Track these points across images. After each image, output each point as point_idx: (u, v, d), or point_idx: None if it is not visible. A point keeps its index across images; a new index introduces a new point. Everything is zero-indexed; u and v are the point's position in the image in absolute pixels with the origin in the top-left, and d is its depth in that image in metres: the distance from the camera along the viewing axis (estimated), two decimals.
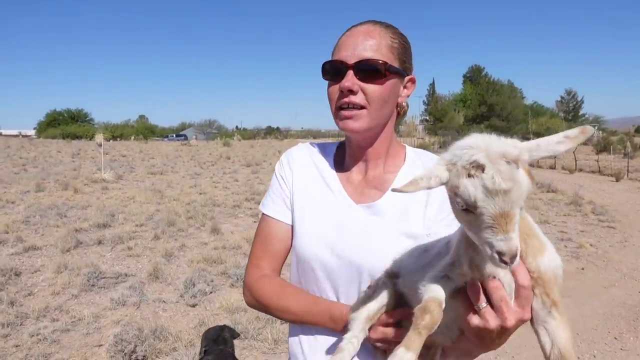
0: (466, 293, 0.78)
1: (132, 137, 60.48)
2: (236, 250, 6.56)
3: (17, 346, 3.71)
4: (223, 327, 3.05)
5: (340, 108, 1.09)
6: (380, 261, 1.02)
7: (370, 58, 1.06)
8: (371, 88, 1.06)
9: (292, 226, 1.19)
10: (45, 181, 13.36)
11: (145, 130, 77.54)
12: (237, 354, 2.94)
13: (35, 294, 4.86)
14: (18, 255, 6.13)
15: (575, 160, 20.39)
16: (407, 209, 1.09)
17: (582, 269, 5.98)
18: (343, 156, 1.24)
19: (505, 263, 0.63)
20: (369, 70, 1.06)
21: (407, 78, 1.15)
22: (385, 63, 1.06)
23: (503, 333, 0.78)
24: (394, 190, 0.70)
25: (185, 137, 65.93)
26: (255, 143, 51.70)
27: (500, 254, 0.63)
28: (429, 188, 0.68)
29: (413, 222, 1.08)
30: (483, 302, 0.76)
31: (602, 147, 25.56)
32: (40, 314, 4.29)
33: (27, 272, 5.48)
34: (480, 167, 0.63)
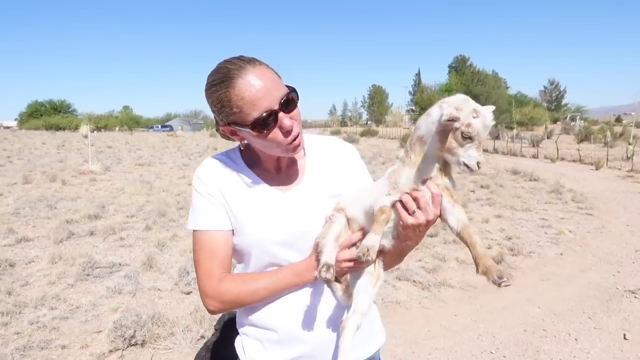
0: (402, 204, 1.15)
1: (117, 128, 59.72)
2: None
3: (17, 333, 3.81)
4: None
5: (288, 142, 1.22)
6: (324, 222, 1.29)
7: (285, 93, 1.20)
8: (296, 114, 1.24)
9: (234, 229, 1.31)
10: (32, 173, 13.23)
11: (130, 121, 76.83)
12: None
13: (31, 283, 4.95)
14: (11, 247, 6.17)
15: (557, 150, 20.81)
16: (326, 178, 1.38)
17: (561, 254, 6.25)
18: (251, 157, 1.37)
19: (479, 168, 1.07)
20: (290, 103, 1.21)
21: None
22: (294, 89, 1.24)
23: (425, 226, 1.16)
24: (448, 117, 1.03)
25: (171, 128, 65.24)
26: None
27: (478, 163, 1.06)
28: (453, 115, 1.03)
29: (334, 186, 1.37)
30: (415, 207, 1.14)
31: (584, 136, 26.07)
32: (39, 303, 4.37)
33: (21, 263, 5.54)
34: (479, 112, 1.05)
